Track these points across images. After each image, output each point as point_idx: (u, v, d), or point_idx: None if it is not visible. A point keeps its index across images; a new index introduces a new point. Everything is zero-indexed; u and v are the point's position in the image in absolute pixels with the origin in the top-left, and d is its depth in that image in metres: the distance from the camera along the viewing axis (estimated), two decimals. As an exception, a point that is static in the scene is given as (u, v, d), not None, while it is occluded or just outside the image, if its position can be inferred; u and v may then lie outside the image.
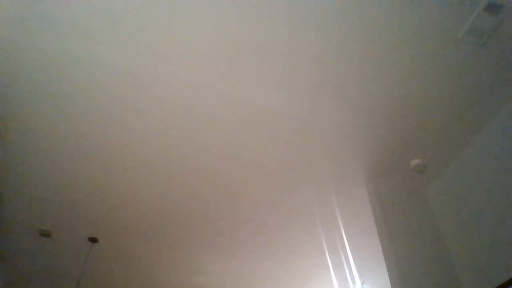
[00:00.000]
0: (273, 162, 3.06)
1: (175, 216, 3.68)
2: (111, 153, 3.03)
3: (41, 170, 3.20)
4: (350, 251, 3.97)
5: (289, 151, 2.96)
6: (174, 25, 2.22)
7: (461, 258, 2.61)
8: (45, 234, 3.95)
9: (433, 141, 2.82)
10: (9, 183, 3.35)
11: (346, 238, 3.81)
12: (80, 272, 4.61)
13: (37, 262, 4.47)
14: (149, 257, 4.35)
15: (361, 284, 4.47)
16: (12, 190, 3.42)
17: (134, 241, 4.07)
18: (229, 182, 3.26)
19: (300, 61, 2.37)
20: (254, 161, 3.06)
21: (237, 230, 3.83)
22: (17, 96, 2.64)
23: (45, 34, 2.27)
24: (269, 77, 2.46)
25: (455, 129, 2.72)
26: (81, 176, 3.25)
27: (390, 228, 2.79)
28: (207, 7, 2.13)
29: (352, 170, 3.09)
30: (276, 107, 2.64)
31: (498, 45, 2.24)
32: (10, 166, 3.18)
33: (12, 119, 2.79)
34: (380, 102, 2.58)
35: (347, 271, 4.30)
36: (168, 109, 2.69)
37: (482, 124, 2.65)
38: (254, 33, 2.24)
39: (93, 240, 4.03)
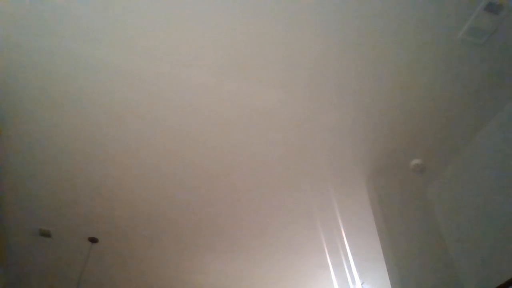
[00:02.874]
0: (273, 162, 3.06)
1: (175, 216, 3.68)
2: (111, 153, 3.03)
3: (41, 170, 3.20)
4: (350, 251, 3.97)
5: (289, 151, 2.96)
6: (174, 25, 2.22)
7: (461, 258, 2.61)
8: (45, 234, 3.95)
9: (433, 141, 2.82)
10: (9, 183, 3.35)
11: (346, 238, 3.81)
12: (80, 272, 4.61)
13: (37, 262, 4.48)
14: (149, 257, 4.36)
15: (361, 284, 4.47)
16: (12, 190, 3.42)
17: (134, 241, 4.08)
18: (228, 181, 3.26)
19: (300, 61, 2.37)
20: (254, 161, 3.06)
21: (237, 230, 3.83)
22: (17, 96, 2.63)
23: (44, 34, 2.27)
24: (269, 77, 2.46)
25: (455, 129, 2.72)
26: (81, 176, 3.25)
27: (390, 228, 2.79)
28: (207, 7, 2.13)
29: (352, 170, 3.09)
30: (276, 107, 2.64)
31: (498, 45, 2.24)
32: (10, 166, 3.18)
33: (12, 119, 2.79)
34: (380, 102, 2.58)
35: (347, 271, 4.30)
36: (168, 109, 2.69)
37: (482, 124, 2.65)
38: (254, 33, 2.24)
39: (93, 240, 4.03)
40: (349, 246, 3.91)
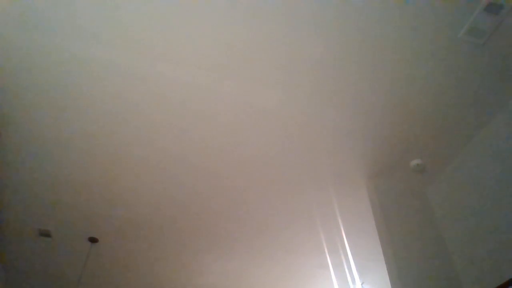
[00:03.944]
0: (273, 162, 3.06)
1: (175, 216, 3.68)
2: (112, 153, 3.03)
3: (41, 170, 3.20)
4: (350, 251, 3.97)
5: (289, 151, 2.96)
6: (174, 25, 2.22)
7: (461, 258, 2.61)
8: (45, 234, 3.95)
9: (433, 141, 2.82)
10: (9, 183, 3.35)
11: (346, 238, 3.81)
12: (80, 272, 4.61)
13: (37, 262, 4.48)
14: (149, 257, 4.35)
15: (361, 284, 4.47)
16: (12, 190, 3.42)
17: (134, 241, 4.07)
18: (228, 181, 3.26)
19: (300, 61, 2.37)
20: (254, 162, 3.06)
21: (237, 230, 3.83)
22: (17, 96, 2.63)
23: (45, 33, 2.27)
24: (269, 77, 2.46)
25: (455, 129, 2.72)
26: (81, 176, 3.25)
27: (390, 228, 2.79)
28: (208, 7, 2.13)
29: (352, 170, 3.09)
30: (276, 107, 2.64)
31: (498, 45, 2.24)
32: (10, 166, 3.18)
33: (12, 119, 2.79)
34: (380, 102, 2.58)
35: (347, 271, 4.30)
36: (169, 109, 2.69)
37: (482, 124, 2.65)
38: (254, 33, 2.24)
39: (93, 240, 4.03)
40: (349, 246, 3.91)
